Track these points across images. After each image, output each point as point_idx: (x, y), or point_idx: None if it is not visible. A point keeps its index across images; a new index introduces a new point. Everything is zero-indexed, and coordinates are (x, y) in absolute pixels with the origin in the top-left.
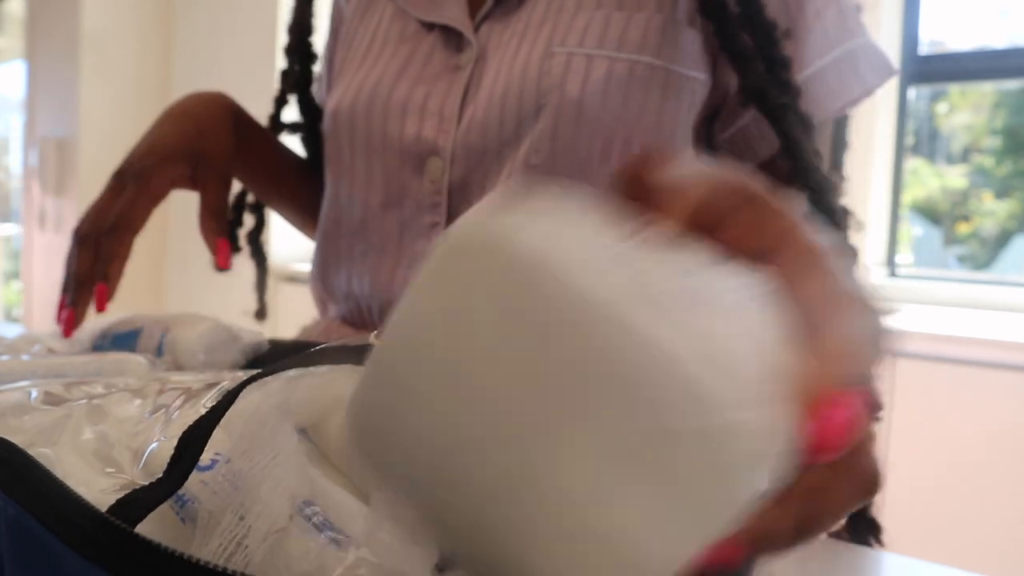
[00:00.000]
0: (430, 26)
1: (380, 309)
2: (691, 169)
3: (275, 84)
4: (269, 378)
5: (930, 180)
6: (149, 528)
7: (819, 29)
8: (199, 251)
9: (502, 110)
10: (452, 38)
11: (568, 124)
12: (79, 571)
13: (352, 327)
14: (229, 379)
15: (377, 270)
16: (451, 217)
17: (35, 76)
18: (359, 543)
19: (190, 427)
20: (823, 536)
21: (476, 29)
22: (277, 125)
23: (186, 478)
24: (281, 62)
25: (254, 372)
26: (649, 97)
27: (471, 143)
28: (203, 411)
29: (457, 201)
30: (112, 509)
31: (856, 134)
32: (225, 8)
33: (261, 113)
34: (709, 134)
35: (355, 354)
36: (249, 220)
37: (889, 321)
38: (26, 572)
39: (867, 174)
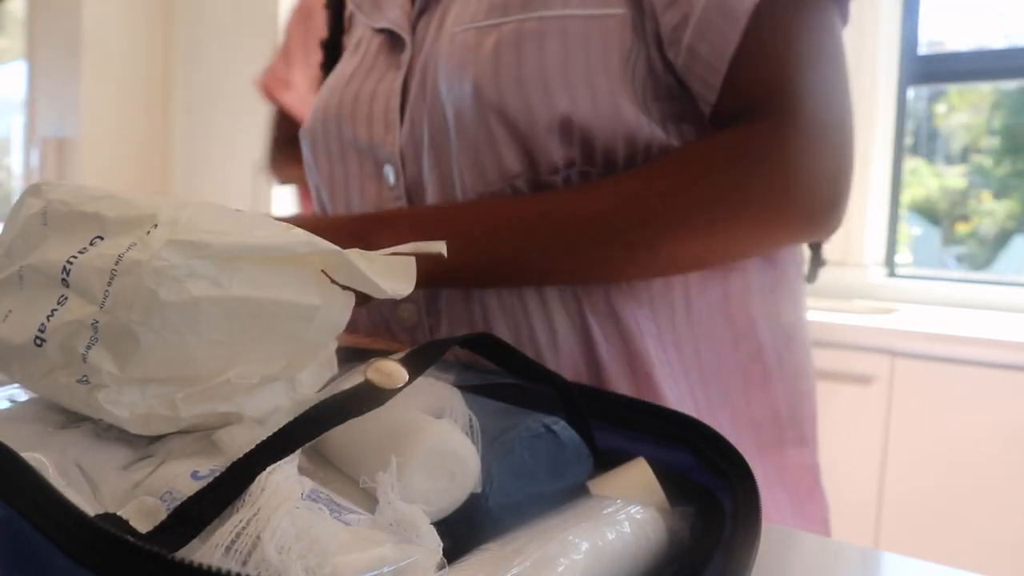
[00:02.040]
0: (379, 31)
1: (356, 316)
2: None
3: None
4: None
5: (929, 180)
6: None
7: None
8: None
9: (426, 103)
10: (396, 40)
11: (473, 101)
12: (69, 573)
13: None
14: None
15: None
16: None
17: (35, 76)
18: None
19: (191, 498)
20: (822, 536)
21: (414, 28)
22: None
23: (176, 548)
24: None
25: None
26: (546, 51)
27: (413, 143)
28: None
29: (417, 200)
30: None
31: (856, 134)
32: (225, 8)
33: (260, 113)
34: (666, 64)
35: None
36: None
37: None
38: (17, 573)
39: (866, 174)
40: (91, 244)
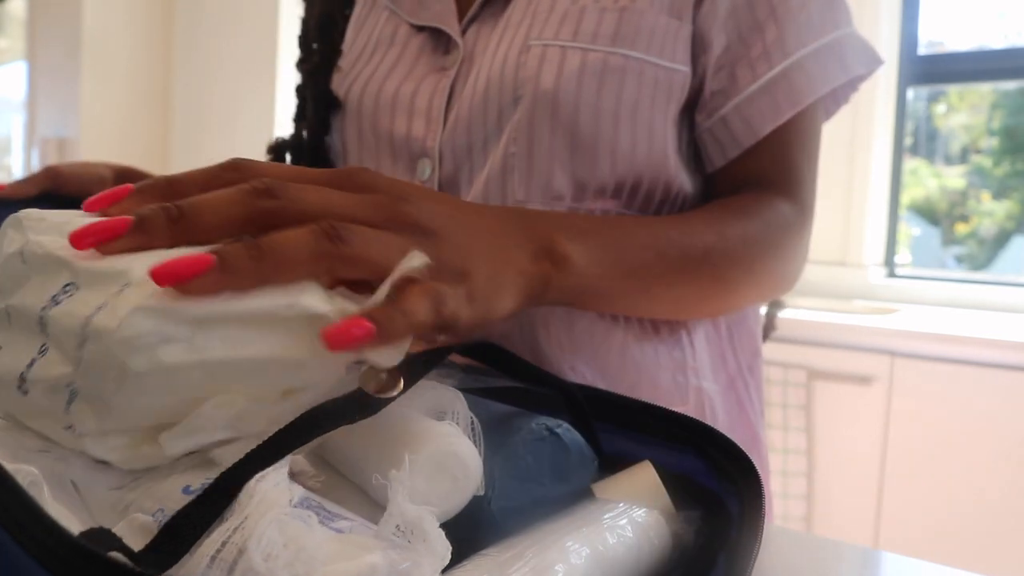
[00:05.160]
0: (420, 29)
1: None
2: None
3: (275, 84)
4: (271, 469)
5: (928, 180)
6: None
7: (804, 18)
8: None
9: (484, 106)
10: (440, 40)
11: (544, 113)
12: None
13: None
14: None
15: None
16: None
17: (36, 76)
18: (365, 532)
19: (179, 513)
20: (822, 535)
21: (463, 32)
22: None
23: (168, 566)
24: (282, 63)
25: (250, 448)
26: (625, 88)
27: (457, 142)
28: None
29: None
30: (87, 534)
31: (855, 134)
32: (225, 8)
33: (261, 113)
34: (690, 124)
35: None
36: None
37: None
38: None
39: (866, 174)
40: (64, 291)
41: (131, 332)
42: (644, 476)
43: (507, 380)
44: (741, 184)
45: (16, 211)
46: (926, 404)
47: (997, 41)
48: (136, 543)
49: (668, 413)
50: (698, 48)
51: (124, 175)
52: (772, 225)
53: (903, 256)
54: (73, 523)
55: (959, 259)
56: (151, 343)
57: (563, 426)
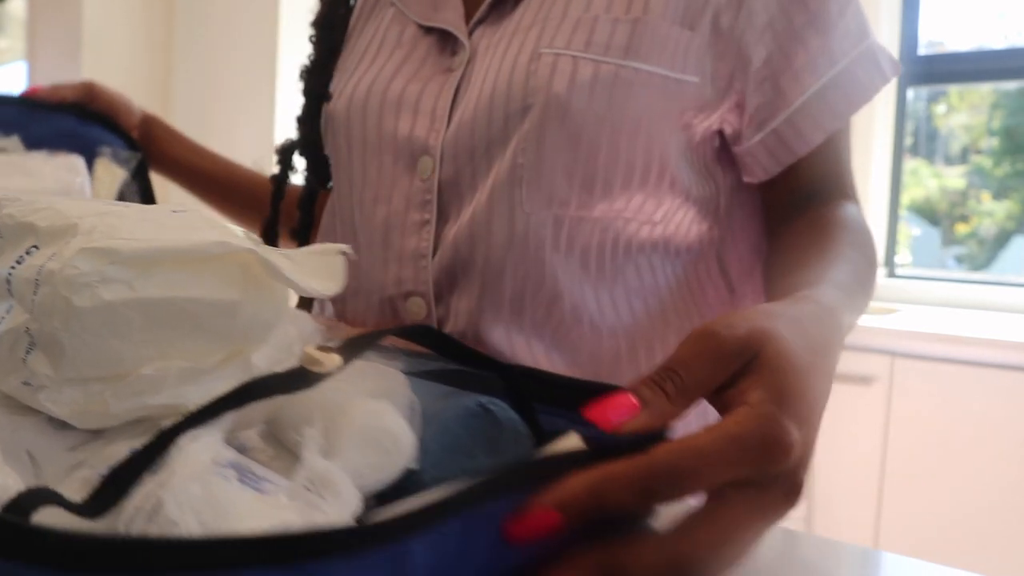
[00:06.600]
0: (428, 30)
1: (367, 307)
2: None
3: (275, 84)
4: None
5: (928, 180)
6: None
7: (843, 26)
8: None
9: (490, 110)
10: (448, 41)
11: (554, 123)
12: None
13: (349, 325)
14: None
15: (369, 266)
16: (441, 215)
17: (36, 77)
18: (287, 492)
19: (117, 467)
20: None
21: (470, 33)
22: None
23: (103, 512)
24: (282, 63)
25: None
26: (635, 100)
27: (460, 142)
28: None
29: (447, 199)
30: (10, 505)
31: (855, 135)
32: (225, 8)
33: (261, 113)
34: (721, 133)
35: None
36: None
37: None
38: None
39: (866, 174)
40: (27, 254)
41: (74, 271)
42: (570, 443)
43: (452, 364)
44: (795, 190)
45: (50, 116)
46: (926, 404)
47: (997, 41)
48: (79, 495)
49: (605, 388)
50: (734, 61)
51: (149, 121)
52: (869, 245)
53: (903, 256)
54: (18, 487)
55: (959, 259)
56: (93, 281)
57: (497, 403)
